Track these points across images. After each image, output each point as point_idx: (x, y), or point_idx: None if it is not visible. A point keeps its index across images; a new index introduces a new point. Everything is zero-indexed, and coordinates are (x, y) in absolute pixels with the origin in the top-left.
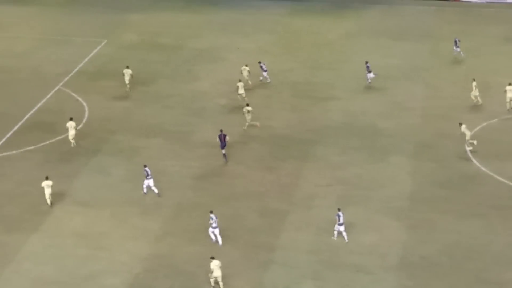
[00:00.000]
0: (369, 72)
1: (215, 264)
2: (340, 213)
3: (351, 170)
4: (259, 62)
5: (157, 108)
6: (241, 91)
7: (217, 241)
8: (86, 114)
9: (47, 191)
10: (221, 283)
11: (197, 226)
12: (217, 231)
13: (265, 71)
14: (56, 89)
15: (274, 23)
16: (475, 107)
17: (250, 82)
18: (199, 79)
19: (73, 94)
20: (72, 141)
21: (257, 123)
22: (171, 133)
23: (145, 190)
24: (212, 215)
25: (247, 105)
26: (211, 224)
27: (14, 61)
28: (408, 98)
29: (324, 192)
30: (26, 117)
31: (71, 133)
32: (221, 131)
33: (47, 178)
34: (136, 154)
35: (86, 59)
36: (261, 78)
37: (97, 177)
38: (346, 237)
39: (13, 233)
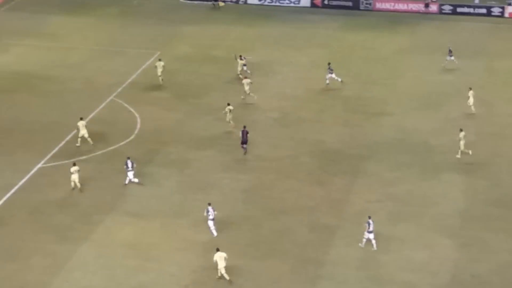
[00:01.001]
0: (331, 73)
1: (218, 256)
2: (370, 221)
3: (402, 186)
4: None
5: (209, 120)
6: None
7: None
8: (138, 125)
9: (74, 176)
10: (225, 275)
11: (246, 240)
12: (211, 223)
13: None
14: (109, 99)
15: (327, 37)
16: None
17: (252, 95)
18: (252, 93)
19: (125, 105)
20: (88, 139)
21: (232, 124)
22: (222, 146)
23: (126, 182)
24: (209, 207)
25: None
26: (208, 216)
27: (68, 71)
28: (462, 115)
29: (375, 208)
30: None
31: (82, 132)
32: (244, 127)
33: (74, 164)
34: (187, 166)
35: (139, 71)
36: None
37: (148, 188)
38: (375, 245)
39: (63, 242)
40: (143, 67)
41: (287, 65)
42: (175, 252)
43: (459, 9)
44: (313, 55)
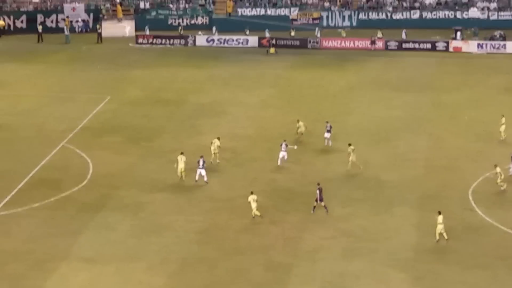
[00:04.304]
0: (329, 131)
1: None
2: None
3: (355, 221)
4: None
5: (161, 163)
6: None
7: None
8: (91, 170)
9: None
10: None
11: (202, 281)
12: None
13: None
14: (60, 146)
15: (276, 76)
16: (477, 158)
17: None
18: (203, 134)
19: (77, 150)
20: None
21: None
22: (175, 188)
23: (196, 178)
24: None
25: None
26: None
27: (18, 119)
28: (411, 149)
29: (329, 244)
30: (31, 174)
31: (181, 166)
32: (318, 184)
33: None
34: (141, 209)
35: (90, 116)
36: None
37: (102, 233)
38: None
39: None
40: (94, 112)
41: (237, 105)
42: None
43: (404, 45)
44: (262, 95)
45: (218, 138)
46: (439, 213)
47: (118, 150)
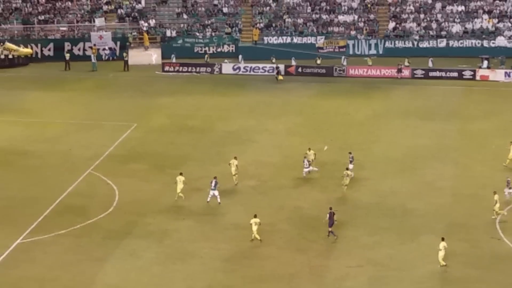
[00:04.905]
0: (351, 162)
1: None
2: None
3: (381, 250)
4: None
5: (186, 190)
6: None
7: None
8: (117, 197)
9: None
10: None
11: None
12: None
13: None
14: (86, 173)
15: (302, 104)
16: (503, 187)
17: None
18: (228, 161)
19: (103, 177)
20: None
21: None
22: (201, 215)
23: (208, 199)
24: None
25: None
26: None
27: (45, 146)
28: (437, 177)
29: (355, 272)
30: (57, 201)
31: (179, 187)
32: (331, 208)
33: (181, 174)
34: (166, 236)
35: (116, 143)
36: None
37: (128, 260)
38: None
39: None
40: (120, 139)
41: (263, 133)
42: None
43: (431, 73)
44: (288, 123)
45: (235, 158)
46: (443, 239)
47: (144, 177)
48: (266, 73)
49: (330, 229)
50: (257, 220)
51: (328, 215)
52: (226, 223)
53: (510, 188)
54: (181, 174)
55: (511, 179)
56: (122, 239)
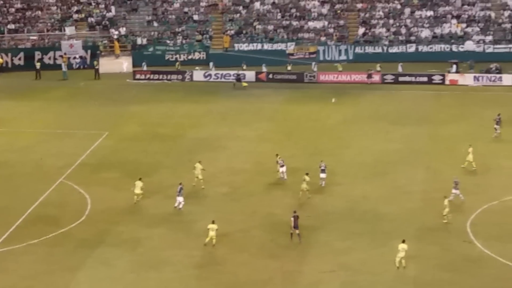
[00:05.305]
0: (323, 171)
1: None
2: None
3: (354, 255)
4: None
5: (159, 198)
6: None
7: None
8: (89, 206)
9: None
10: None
11: None
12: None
13: (282, 166)
14: (58, 182)
15: (273, 111)
16: (474, 190)
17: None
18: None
19: (75, 186)
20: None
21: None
22: (173, 223)
23: (175, 204)
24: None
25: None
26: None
27: (16, 156)
28: (409, 182)
29: (328, 278)
30: (29, 211)
31: (136, 191)
32: (295, 212)
33: (140, 179)
34: (139, 244)
35: (88, 151)
36: (280, 175)
37: (101, 269)
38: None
39: None
40: (92, 148)
41: (235, 140)
42: None
43: (401, 78)
44: (260, 129)
45: (200, 162)
46: (403, 241)
47: (116, 186)
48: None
49: (297, 231)
50: (215, 226)
51: (292, 218)
52: (198, 230)
53: (457, 189)
54: (140, 179)
55: (459, 180)
56: (95, 248)
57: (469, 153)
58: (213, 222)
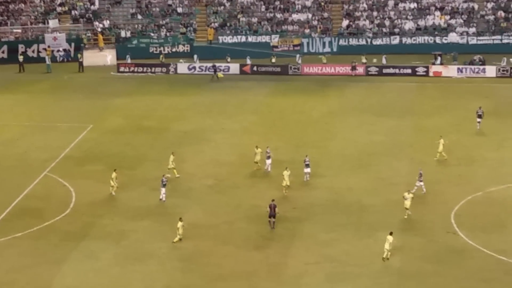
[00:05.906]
0: (307, 167)
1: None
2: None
3: (339, 247)
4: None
5: (144, 190)
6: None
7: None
8: (73, 199)
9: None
10: None
11: None
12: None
13: (268, 158)
14: (42, 175)
15: (258, 103)
16: (458, 181)
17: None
18: (185, 161)
19: (59, 179)
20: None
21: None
22: (158, 215)
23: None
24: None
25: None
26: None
27: (0, 149)
28: (393, 173)
29: (313, 269)
30: (13, 204)
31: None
32: (273, 200)
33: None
34: (124, 237)
35: (72, 144)
36: (266, 167)
37: (86, 262)
38: None
39: None
40: (76, 141)
41: (220, 132)
42: None
43: (385, 70)
44: (244, 122)
45: (173, 153)
46: (391, 233)
47: (101, 179)
48: (222, 72)
49: (273, 219)
50: (181, 223)
51: (269, 206)
52: (184, 223)
53: (421, 181)
54: (115, 170)
55: (423, 171)
56: (80, 241)
57: (439, 144)
58: (180, 220)
